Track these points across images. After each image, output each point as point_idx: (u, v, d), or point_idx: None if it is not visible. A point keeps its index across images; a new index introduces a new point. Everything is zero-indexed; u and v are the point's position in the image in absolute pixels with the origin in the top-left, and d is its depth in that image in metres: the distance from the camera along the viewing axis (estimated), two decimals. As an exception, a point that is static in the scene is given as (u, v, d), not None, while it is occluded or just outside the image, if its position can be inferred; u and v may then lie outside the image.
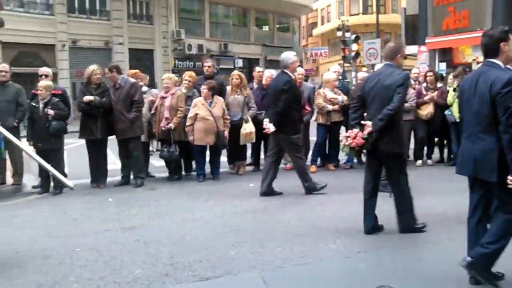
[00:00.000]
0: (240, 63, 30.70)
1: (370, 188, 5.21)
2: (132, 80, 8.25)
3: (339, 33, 32.70)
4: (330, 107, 8.95)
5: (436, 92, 9.36)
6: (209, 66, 9.21)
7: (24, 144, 4.86)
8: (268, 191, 7.07)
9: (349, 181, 8.08)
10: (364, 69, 25.00)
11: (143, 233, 5.45)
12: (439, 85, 9.68)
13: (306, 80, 12.33)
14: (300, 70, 9.35)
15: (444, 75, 12.22)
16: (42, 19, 23.01)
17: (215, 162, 8.60)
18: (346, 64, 29.58)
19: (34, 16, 22.77)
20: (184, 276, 4.16)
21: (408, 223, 5.12)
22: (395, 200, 5.15)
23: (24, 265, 4.56)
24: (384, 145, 4.99)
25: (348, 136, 5.05)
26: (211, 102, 8.22)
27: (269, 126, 6.96)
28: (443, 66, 15.61)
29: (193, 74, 8.97)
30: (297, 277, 4.14)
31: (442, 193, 6.87)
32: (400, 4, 37.41)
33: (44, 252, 4.89)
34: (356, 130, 5.03)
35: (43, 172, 7.74)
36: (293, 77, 7.27)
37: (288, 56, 7.17)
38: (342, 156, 9.53)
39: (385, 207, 5.27)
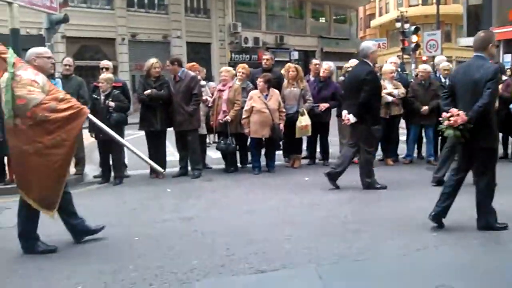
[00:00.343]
0: (296, 55, 30.55)
1: (455, 181, 5.06)
2: (192, 73, 8.36)
3: (398, 24, 31.78)
4: (390, 99, 8.71)
5: (501, 85, 8.94)
6: (267, 59, 9.18)
7: (114, 134, 5.01)
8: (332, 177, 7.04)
9: (409, 176, 7.88)
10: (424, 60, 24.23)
11: (200, 223, 5.53)
12: (504, 77, 9.25)
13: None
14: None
15: (509, 67, 11.65)
16: (103, 14, 23.73)
17: (270, 155, 8.59)
18: (405, 56, 28.84)
19: (95, 11, 23.52)
20: (240, 268, 4.18)
21: (489, 220, 4.94)
22: (478, 196, 4.99)
23: (86, 253, 4.72)
24: (478, 139, 4.83)
25: (450, 116, 4.82)
26: (267, 95, 8.21)
27: (348, 117, 6.87)
28: (507, 57, 14.92)
29: (246, 66, 8.98)
30: (353, 273, 4.08)
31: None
32: (463, -7, 36.02)
33: (105, 241, 5.05)
34: (455, 109, 4.84)
35: (104, 163, 8.01)
36: (374, 67, 7.11)
37: (368, 45, 7.06)
38: (401, 151, 9.33)
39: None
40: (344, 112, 7.00)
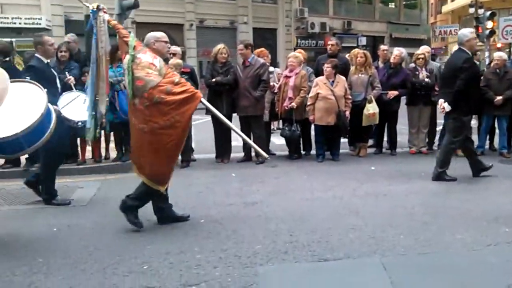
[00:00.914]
0: (363, 41, 29.93)
1: None
2: (262, 60, 8.38)
3: (471, 10, 30.32)
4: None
5: None
6: (332, 45, 9.04)
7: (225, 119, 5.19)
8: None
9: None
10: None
11: (264, 208, 5.57)
12: None
13: (434, 60, 11.68)
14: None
15: None
16: (171, 0, 24.14)
17: (335, 143, 8.49)
18: (479, 43, 27.47)
19: (164, -3, 23.98)
20: (303, 255, 4.17)
21: None
22: None
23: (154, 233, 4.87)
24: None
25: None
26: (333, 81, 8.09)
27: (444, 106, 6.69)
28: None
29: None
30: (420, 266, 3.96)
31: None
32: (546, -25, 33.76)
33: (171, 222, 5.19)
34: None
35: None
36: (471, 54, 6.85)
37: (464, 33, 6.83)
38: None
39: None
40: (441, 101, 6.80)
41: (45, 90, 4.84)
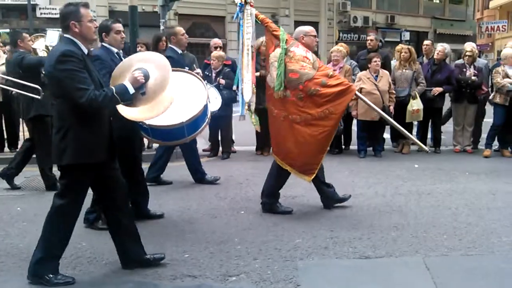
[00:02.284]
0: (407, 36, 29.39)
1: None
2: None
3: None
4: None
5: None
6: (371, 40, 8.91)
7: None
8: None
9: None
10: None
11: (304, 202, 5.56)
12: None
13: (479, 56, 11.34)
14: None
15: None
16: (213, -8, 24.27)
17: (378, 139, 8.36)
18: (530, 40, 26.53)
19: (206, -11, 24.10)
20: (344, 252, 4.14)
21: None
22: None
23: (195, 222, 4.95)
24: None
25: None
26: (377, 76, 7.96)
27: None
28: None
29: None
30: (464, 268, 3.88)
31: None
32: None
33: (212, 212, 5.25)
34: None
35: (213, 138, 8.26)
36: None
37: None
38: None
39: None
40: None
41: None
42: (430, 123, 8.65)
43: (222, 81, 7.83)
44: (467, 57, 8.51)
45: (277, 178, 5.19)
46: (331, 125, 4.75)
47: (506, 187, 6.29)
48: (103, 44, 4.63)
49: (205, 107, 4.85)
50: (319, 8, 27.51)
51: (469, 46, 8.81)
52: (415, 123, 8.66)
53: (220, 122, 7.85)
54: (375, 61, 7.95)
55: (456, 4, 36.30)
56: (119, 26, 4.57)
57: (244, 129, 9.45)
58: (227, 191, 6.06)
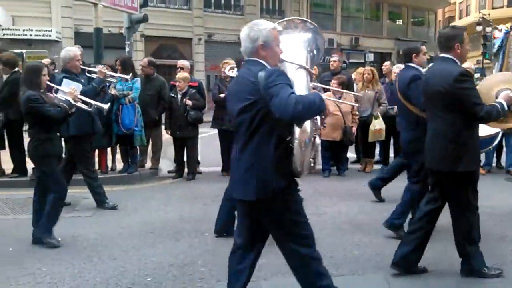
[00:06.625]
0: (371, 57, 30.00)
1: None
2: None
3: (479, 28, 30.48)
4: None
5: None
6: (334, 61, 9.12)
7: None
8: None
9: (487, 186, 7.48)
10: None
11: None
12: None
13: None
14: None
15: None
16: (180, 14, 24.43)
17: (341, 158, 8.48)
18: (486, 61, 27.53)
19: (173, 11, 24.28)
20: (307, 271, 4.14)
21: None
22: None
23: (157, 246, 4.88)
24: None
25: None
26: (340, 97, 8.10)
27: None
28: None
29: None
30: (422, 283, 3.95)
31: None
32: (555, -6, 33.89)
33: (176, 235, 5.19)
34: None
35: (179, 159, 8.22)
36: None
37: None
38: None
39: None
40: None
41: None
42: (392, 142, 8.82)
43: (189, 102, 7.83)
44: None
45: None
46: None
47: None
48: None
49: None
50: (285, 30, 27.90)
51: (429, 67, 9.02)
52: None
53: (187, 143, 7.83)
54: (333, 83, 8.07)
55: (418, 26, 37.46)
56: None
57: (209, 149, 9.50)
58: (192, 213, 6.02)
